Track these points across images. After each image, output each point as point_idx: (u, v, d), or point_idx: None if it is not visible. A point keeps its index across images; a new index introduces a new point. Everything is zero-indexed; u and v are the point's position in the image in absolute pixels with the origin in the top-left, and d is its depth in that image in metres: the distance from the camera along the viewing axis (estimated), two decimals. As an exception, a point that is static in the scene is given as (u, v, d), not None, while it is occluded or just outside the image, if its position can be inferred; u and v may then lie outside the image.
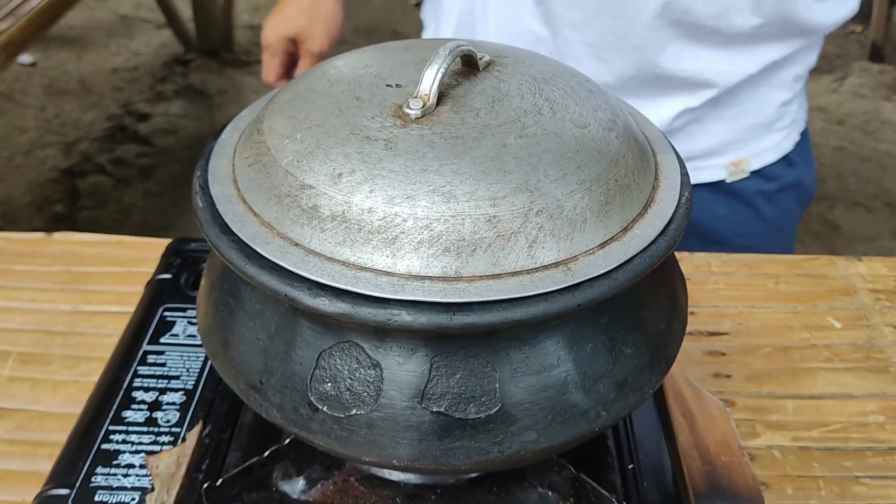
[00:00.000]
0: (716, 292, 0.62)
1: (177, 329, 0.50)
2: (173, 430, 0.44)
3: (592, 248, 0.33)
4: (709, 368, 0.56)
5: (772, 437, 0.51)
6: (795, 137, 0.77)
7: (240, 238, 0.33)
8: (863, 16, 2.78)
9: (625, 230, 0.34)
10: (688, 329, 0.40)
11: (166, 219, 1.83)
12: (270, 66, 0.79)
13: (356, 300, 0.31)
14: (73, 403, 0.52)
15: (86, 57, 2.48)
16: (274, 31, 0.78)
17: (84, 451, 0.42)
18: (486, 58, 0.39)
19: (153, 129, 2.14)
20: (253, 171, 0.35)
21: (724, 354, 0.57)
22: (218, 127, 2.13)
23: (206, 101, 2.28)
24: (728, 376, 0.55)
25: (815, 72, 2.51)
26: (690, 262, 0.65)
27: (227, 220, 0.34)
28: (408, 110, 0.35)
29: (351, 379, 0.33)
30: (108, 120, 2.17)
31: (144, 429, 0.44)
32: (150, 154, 2.05)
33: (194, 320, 0.51)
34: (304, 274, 0.31)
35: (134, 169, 1.99)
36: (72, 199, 1.86)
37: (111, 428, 0.44)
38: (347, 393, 0.33)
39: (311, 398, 0.34)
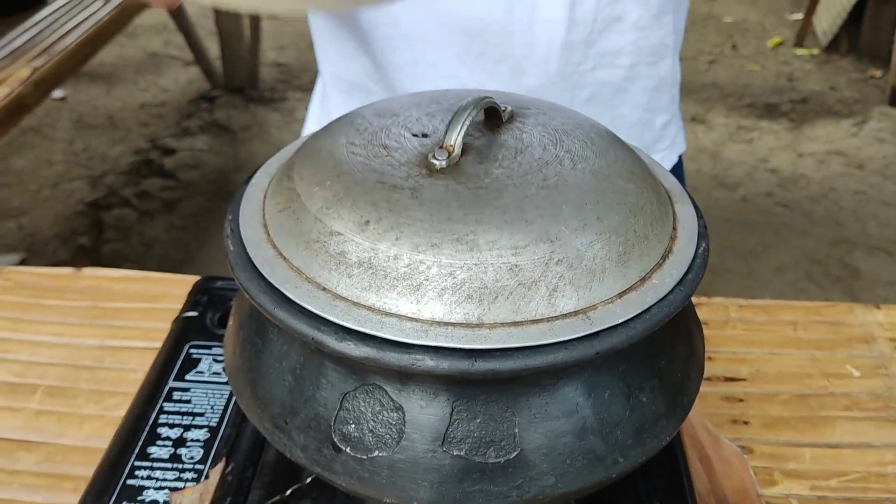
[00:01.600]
0: (734, 338, 0.62)
1: (202, 366, 0.51)
2: (197, 466, 0.45)
3: (611, 298, 0.34)
4: (726, 414, 0.56)
5: (789, 485, 0.51)
6: (674, 159, 0.77)
7: (269, 281, 0.34)
8: (882, 61, 2.80)
9: (643, 280, 0.35)
10: (705, 374, 0.41)
11: (188, 252, 1.86)
12: None
13: (381, 345, 0.32)
14: (98, 438, 0.53)
15: (114, 92, 2.54)
16: None
17: (110, 487, 0.43)
18: (509, 109, 0.40)
19: (178, 164, 2.18)
20: (283, 216, 0.36)
21: (741, 400, 0.57)
22: (241, 162, 2.16)
23: (230, 136, 2.33)
24: (746, 423, 0.55)
25: (835, 116, 2.53)
26: (708, 307, 0.65)
27: (257, 264, 0.35)
28: (433, 160, 0.36)
29: (374, 421, 0.34)
30: (135, 154, 2.21)
31: (169, 465, 0.44)
32: (175, 188, 2.08)
33: (220, 358, 0.52)
34: (331, 318, 0.32)
35: (158, 202, 2.02)
36: (97, 231, 1.89)
37: (136, 463, 0.44)
38: (370, 435, 0.34)
39: (335, 439, 0.35)
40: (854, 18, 2.90)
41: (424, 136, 0.38)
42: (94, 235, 1.88)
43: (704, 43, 3.16)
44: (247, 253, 0.36)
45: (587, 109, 0.49)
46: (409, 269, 0.33)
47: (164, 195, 2.05)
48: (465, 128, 0.36)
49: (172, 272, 0.69)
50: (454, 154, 0.36)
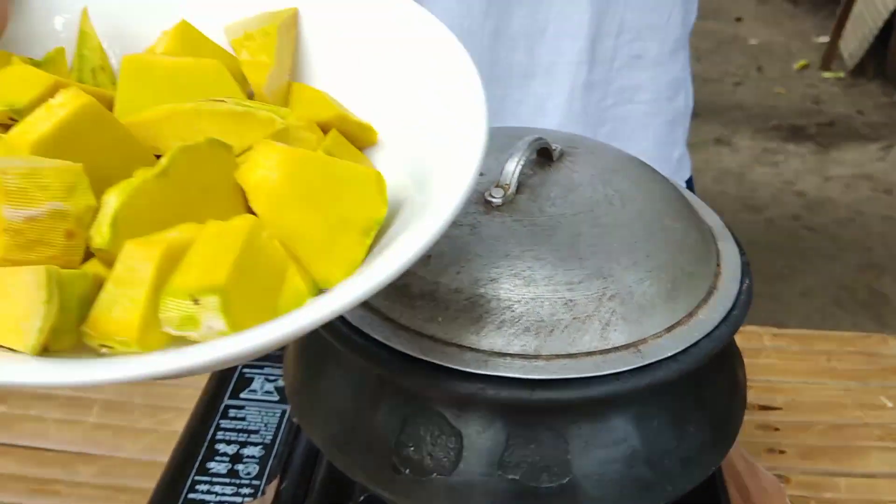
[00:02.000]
0: (768, 366, 0.64)
1: (255, 385, 0.53)
2: (253, 482, 0.47)
3: (660, 332, 0.35)
4: (762, 443, 0.57)
5: (825, 514, 0.52)
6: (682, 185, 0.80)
7: (335, 311, 0.36)
8: (910, 85, 2.80)
9: (690, 315, 0.36)
10: (742, 403, 0.42)
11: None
12: None
13: (443, 373, 0.34)
14: (153, 451, 0.56)
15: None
16: None
17: (172, 499, 0.45)
18: (559, 149, 0.42)
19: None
20: (347, 249, 0.39)
21: (777, 429, 0.58)
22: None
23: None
24: (782, 452, 0.56)
25: (862, 139, 2.53)
26: (742, 335, 0.66)
27: (323, 294, 0.37)
28: (490, 198, 0.38)
29: (433, 445, 0.36)
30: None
31: (227, 480, 0.47)
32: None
33: (271, 377, 0.54)
34: (396, 346, 0.34)
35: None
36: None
37: (197, 478, 0.47)
38: (429, 458, 0.36)
39: (395, 461, 0.36)
40: (881, 42, 2.90)
41: (480, 174, 0.40)
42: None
43: (730, 65, 3.17)
44: (313, 283, 0.38)
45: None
46: (469, 302, 0.35)
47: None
48: (520, 167, 0.38)
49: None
50: (510, 192, 0.38)
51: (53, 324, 0.24)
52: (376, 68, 0.34)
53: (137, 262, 0.25)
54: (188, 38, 0.34)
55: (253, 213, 0.28)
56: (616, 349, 0.34)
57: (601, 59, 0.68)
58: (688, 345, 0.35)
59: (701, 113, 2.77)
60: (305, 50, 0.36)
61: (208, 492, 0.46)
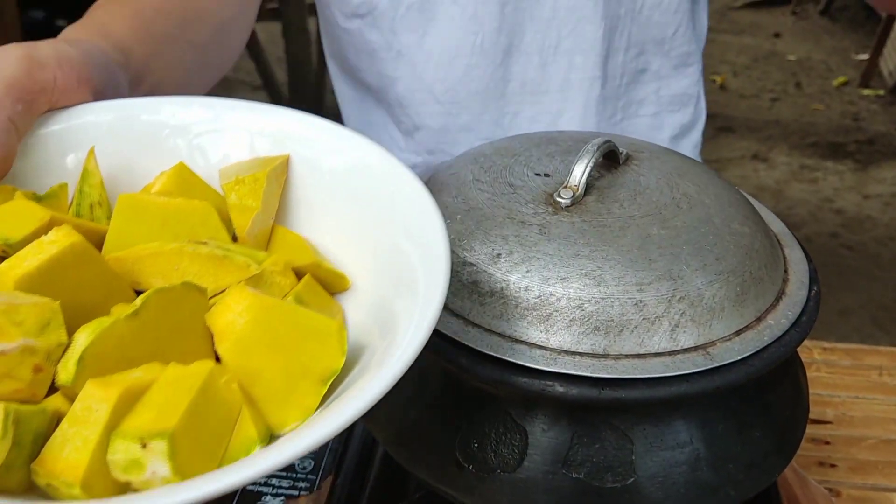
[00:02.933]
0: (819, 380, 0.63)
1: (309, 382, 0.54)
2: (309, 476, 0.47)
3: (729, 335, 0.35)
4: (813, 456, 0.56)
5: (878, 529, 0.52)
6: None
7: (403, 306, 0.37)
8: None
9: (758, 320, 0.36)
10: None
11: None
12: None
13: (512, 370, 0.34)
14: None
15: (187, 114, 2.63)
16: None
17: (231, 492, 0.46)
18: (625, 152, 0.42)
19: (247, 185, 2.24)
20: (415, 246, 0.39)
21: (828, 443, 0.57)
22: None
23: (297, 160, 2.38)
24: (833, 465, 0.56)
25: (891, 157, 2.48)
26: (792, 348, 0.66)
27: (391, 289, 0.38)
28: (559, 199, 0.38)
29: (497, 442, 0.36)
30: (206, 174, 2.28)
31: (284, 473, 0.47)
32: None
33: (325, 375, 0.55)
34: (465, 342, 0.35)
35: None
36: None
37: (255, 471, 0.47)
38: (493, 455, 0.36)
39: (458, 457, 0.37)
40: (923, 60, 2.86)
41: (547, 175, 0.41)
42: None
43: (767, 80, 3.15)
44: (380, 278, 0.39)
45: None
46: (539, 300, 0.35)
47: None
48: (588, 169, 0.38)
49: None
50: (578, 193, 0.38)
51: (4, 460, 0.25)
52: (353, 214, 0.36)
53: (95, 402, 0.25)
54: (183, 180, 0.36)
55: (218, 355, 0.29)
56: (685, 351, 0.34)
57: (612, 75, 0.68)
58: (757, 349, 0.35)
59: (737, 129, 2.75)
60: (292, 194, 0.38)
61: (266, 484, 0.46)
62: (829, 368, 0.64)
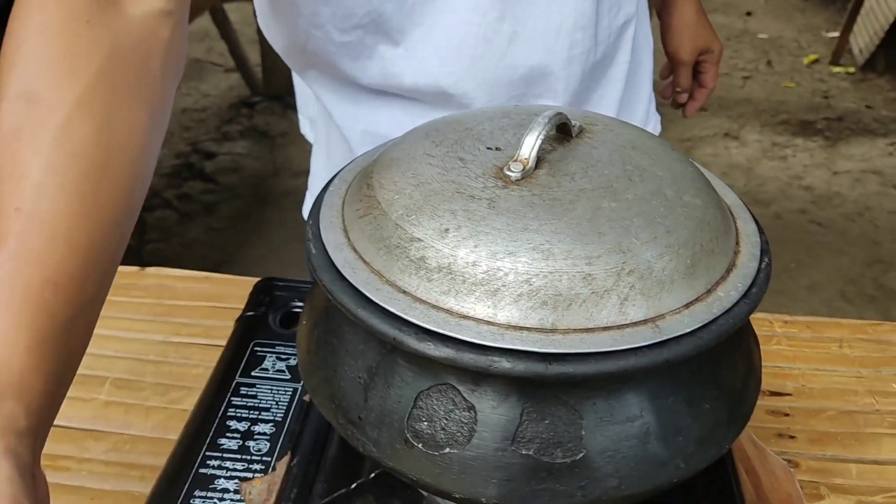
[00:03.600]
0: (779, 353, 0.63)
1: (266, 364, 0.53)
2: (264, 458, 0.47)
3: (679, 308, 0.35)
4: (773, 428, 0.57)
5: (836, 500, 0.52)
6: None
7: (351, 283, 0.36)
8: (921, 80, 2.78)
9: (709, 292, 0.36)
10: (754, 388, 0.42)
11: (226, 254, 1.89)
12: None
13: (459, 346, 0.33)
14: (163, 429, 0.56)
15: (156, 96, 2.59)
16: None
17: (183, 475, 0.45)
18: (578, 125, 0.42)
19: (218, 168, 2.22)
20: (363, 222, 0.38)
21: (787, 415, 0.58)
22: (279, 166, 2.19)
23: (268, 142, 2.36)
24: (792, 437, 0.56)
25: (870, 134, 2.51)
26: (753, 322, 0.66)
27: (339, 267, 0.37)
28: (509, 172, 0.37)
29: (446, 419, 0.36)
30: (176, 157, 2.26)
31: (238, 456, 0.47)
32: (214, 191, 2.12)
33: (283, 356, 0.54)
34: (412, 319, 0.34)
35: (198, 205, 2.06)
36: (139, 231, 1.93)
37: (208, 454, 0.47)
38: (442, 432, 0.36)
39: (408, 435, 0.36)
40: (891, 37, 2.88)
41: (498, 149, 0.40)
42: (135, 235, 1.92)
43: (739, 59, 3.15)
44: (328, 256, 0.38)
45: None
46: (486, 275, 0.34)
47: (203, 198, 2.09)
48: (539, 142, 0.38)
49: (211, 273, 0.72)
50: (528, 166, 0.38)
51: None
52: None
53: None
54: None
55: None
56: (634, 324, 0.34)
57: (602, 40, 0.68)
58: (707, 321, 0.35)
59: (709, 107, 2.76)
60: None
61: (219, 467, 0.46)
62: (789, 341, 0.64)
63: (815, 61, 3.13)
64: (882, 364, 0.62)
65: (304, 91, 0.84)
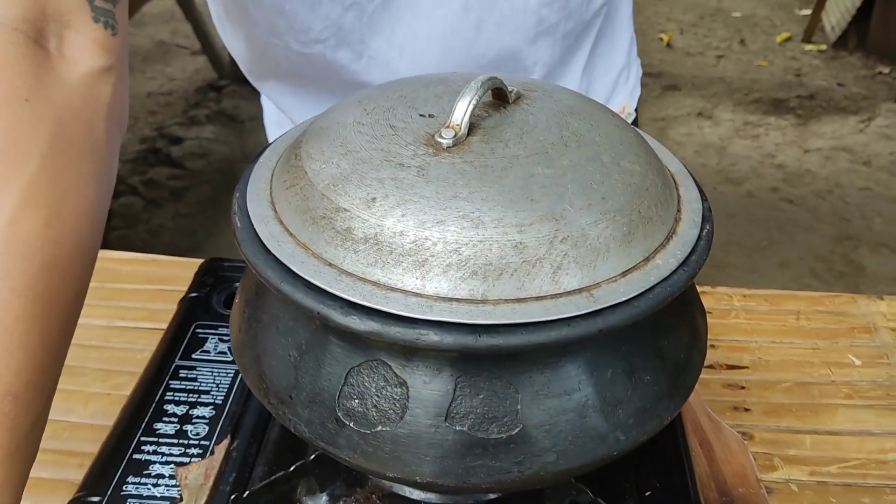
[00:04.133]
0: (737, 326, 0.63)
1: (208, 346, 0.52)
2: (202, 442, 0.45)
3: (615, 276, 0.34)
4: (728, 401, 0.56)
5: (789, 471, 0.51)
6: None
7: (276, 257, 0.35)
8: (890, 58, 2.79)
9: (646, 260, 0.35)
10: (708, 362, 0.41)
11: (195, 240, 1.86)
12: None
13: (386, 319, 0.32)
14: (104, 415, 0.54)
15: (122, 81, 2.55)
16: None
17: (116, 461, 0.44)
18: (515, 90, 0.40)
19: (185, 153, 2.19)
20: (290, 193, 0.37)
21: (743, 388, 0.57)
22: (248, 151, 2.17)
23: (237, 126, 2.33)
24: (747, 409, 0.55)
25: (842, 112, 2.53)
26: (712, 296, 0.66)
27: (263, 240, 0.36)
28: (440, 139, 0.36)
29: (378, 396, 0.34)
30: (142, 143, 2.22)
31: (175, 441, 0.45)
32: (182, 177, 2.09)
33: (225, 337, 0.52)
34: (337, 293, 0.33)
35: (165, 191, 2.03)
36: (103, 218, 1.90)
37: (143, 439, 0.45)
38: (374, 410, 0.34)
39: (339, 414, 0.35)
40: (863, 15, 2.89)
41: (431, 116, 0.38)
42: (100, 222, 1.89)
43: (713, 38, 3.15)
44: (254, 229, 0.36)
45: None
46: (414, 245, 0.33)
47: (170, 184, 2.06)
48: (471, 107, 0.36)
49: (158, 255, 0.69)
50: (460, 133, 0.36)
51: None
52: None
53: None
54: None
55: None
56: (567, 293, 0.33)
57: (575, 9, 0.66)
58: (643, 289, 0.33)
59: (683, 87, 2.75)
60: None
61: (154, 452, 0.44)
62: (747, 315, 0.64)
63: (788, 39, 3.13)
64: (838, 335, 0.61)
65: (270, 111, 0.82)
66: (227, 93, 2.49)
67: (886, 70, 2.79)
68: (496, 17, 0.63)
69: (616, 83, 0.77)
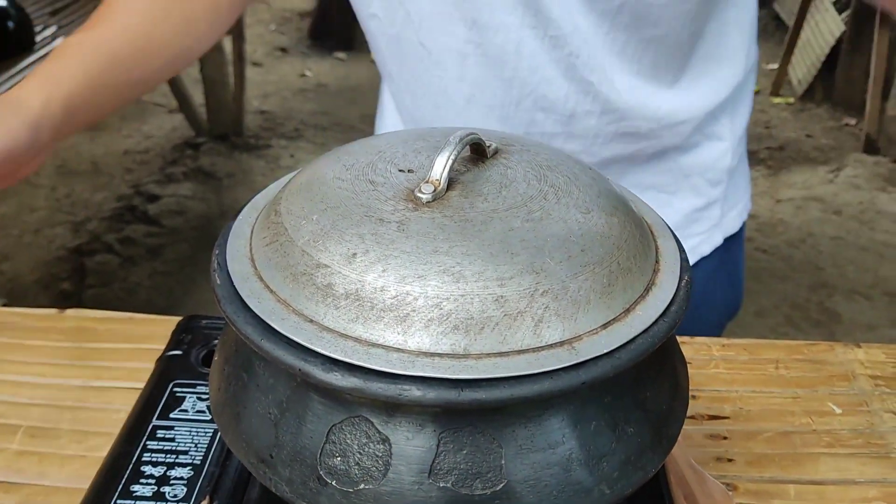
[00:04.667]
0: (716, 376, 0.63)
1: (186, 405, 0.51)
2: (180, 504, 0.44)
3: (596, 329, 0.34)
4: (711, 452, 0.56)
5: (775, 522, 0.51)
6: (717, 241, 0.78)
7: (256, 314, 0.35)
8: (856, 109, 2.87)
9: (627, 311, 0.35)
10: (689, 412, 0.41)
11: (172, 298, 1.84)
12: None
13: (368, 375, 0.32)
14: (79, 478, 0.52)
15: (98, 139, 2.55)
16: None
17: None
18: (494, 146, 0.41)
19: (162, 210, 2.18)
20: (270, 250, 0.37)
21: (725, 438, 0.57)
22: (225, 208, 2.16)
23: (215, 183, 2.33)
24: (730, 460, 0.55)
25: (811, 162, 2.58)
26: (691, 346, 0.66)
27: (244, 297, 0.35)
28: (419, 194, 0.36)
29: (360, 453, 0.34)
30: (118, 200, 2.21)
31: (152, 502, 0.44)
32: (158, 234, 2.08)
33: (204, 396, 0.52)
34: (318, 349, 0.33)
35: (142, 248, 2.01)
36: (79, 277, 1.88)
37: (119, 502, 0.44)
38: (357, 467, 0.34)
39: (321, 472, 0.34)
40: (828, 68, 2.98)
41: (410, 171, 0.39)
42: (76, 281, 1.87)
43: (683, 92, 3.22)
44: (234, 286, 0.36)
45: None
46: (395, 300, 0.33)
47: (147, 241, 2.05)
48: (450, 162, 0.37)
49: (134, 313, 0.69)
50: (440, 188, 0.37)
51: None
52: None
53: None
54: None
55: None
56: (549, 346, 0.33)
57: (581, 134, 0.67)
58: (625, 341, 0.34)
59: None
60: None
61: (130, 515, 0.43)
62: (727, 364, 0.64)
63: (757, 93, 3.21)
64: (818, 383, 0.62)
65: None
66: (205, 150, 2.50)
67: (853, 121, 2.87)
68: (487, 101, 0.66)
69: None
